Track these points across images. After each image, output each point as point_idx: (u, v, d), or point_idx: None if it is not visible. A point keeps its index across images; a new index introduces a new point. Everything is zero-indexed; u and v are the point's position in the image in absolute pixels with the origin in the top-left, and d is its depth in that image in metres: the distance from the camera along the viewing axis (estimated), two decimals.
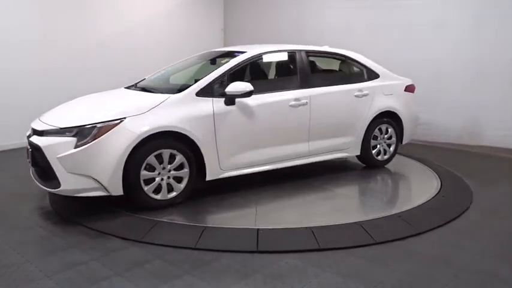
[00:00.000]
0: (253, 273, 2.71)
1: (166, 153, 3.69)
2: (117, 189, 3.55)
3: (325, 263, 2.86)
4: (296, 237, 3.21)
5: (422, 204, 3.98)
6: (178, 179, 3.83)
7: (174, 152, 3.73)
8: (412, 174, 5.10)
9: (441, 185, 4.56)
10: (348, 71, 5.16)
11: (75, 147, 3.44)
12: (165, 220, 3.50)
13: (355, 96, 4.85)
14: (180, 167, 3.81)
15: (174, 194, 3.82)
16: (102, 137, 3.46)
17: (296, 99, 4.37)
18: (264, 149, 4.26)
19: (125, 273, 2.69)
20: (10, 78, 6.50)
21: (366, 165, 5.22)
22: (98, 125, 3.49)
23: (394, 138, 5.22)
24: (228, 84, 3.95)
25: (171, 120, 3.69)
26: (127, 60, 7.98)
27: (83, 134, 3.48)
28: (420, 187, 4.64)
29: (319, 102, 4.54)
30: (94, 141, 3.45)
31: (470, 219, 3.70)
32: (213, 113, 3.88)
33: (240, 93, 3.88)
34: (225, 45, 9.79)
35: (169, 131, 3.67)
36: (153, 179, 3.69)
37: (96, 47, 7.55)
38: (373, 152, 5.11)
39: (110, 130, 3.48)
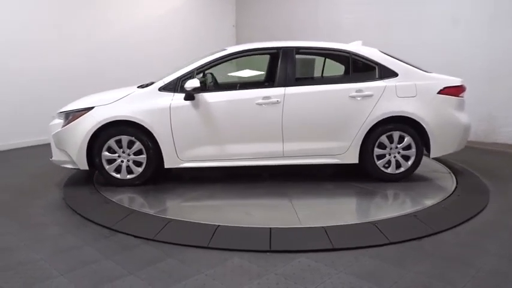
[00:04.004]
0: (266, 273, 2.69)
1: (125, 139, 4.28)
2: (83, 164, 4.30)
3: (338, 262, 2.83)
4: (309, 237, 3.18)
5: (438, 203, 3.91)
6: (139, 163, 4.35)
7: (133, 139, 4.27)
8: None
9: (457, 183, 4.49)
10: (349, 69, 4.55)
11: (61, 128, 4.31)
12: (178, 218, 3.51)
13: (351, 97, 4.32)
14: (140, 152, 4.31)
15: (132, 175, 4.38)
16: (75, 121, 4.26)
17: (265, 98, 4.27)
18: (227, 145, 4.32)
19: (137, 272, 2.70)
20: (26, 77, 6.60)
21: (374, 178, 4.51)
22: (74, 111, 4.33)
23: (413, 149, 4.42)
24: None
25: (127, 111, 4.22)
26: (139, 56, 8.04)
27: (66, 117, 4.36)
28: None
29: (296, 102, 4.29)
30: (70, 124, 4.27)
31: (488, 219, 3.63)
32: (170, 107, 4.20)
33: (189, 89, 4.16)
34: (237, 42, 9.77)
35: (127, 120, 4.20)
36: (114, 160, 4.32)
37: (106, 44, 7.63)
38: (379, 162, 4.45)
39: (80, 116, 4.26)
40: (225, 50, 4.54)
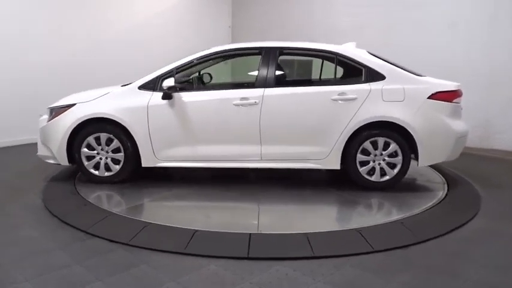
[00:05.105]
0: (241, 281, 2.57)
1: (103, 136, 4.29)
2: (63, 160, 4.36)
3: (318, 271, 2.71)
4: (290, 244, 3.06)
5: (427, 210, 3.80)
6: (117, 161, 4.35)
7: (111, 136, 4.27)
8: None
9: (448, 190, 4.37)
10: (334, 70, 4.42)
11: (46, 123, 4.42)
12: (155, 222, 3.39)
13: (333, 100, 4.14)
14: (118, 150, 4.31)
15: (110, 173, 4.38)
16: (57, 117, 4.33)
17: (243, 98, 4.16)
18: (204, 145, 4.26)
19: (107, 279, 2.58)
20: (21, 74, 6.54)
21: (359, 185, 4.30)
22: (57, 108, 4.39)
23: (399, 157, 4.17)
24: None
25: (105, 109, 4.23)
26: (136, 55, 8.01)
27: (50, 113, 4.44)
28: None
29: (275, 104, 4.15)
30: (53, 120, 4.36)
31: (478, 227, 3.51)
32: (147, 105, 4.18)
33: (165, 88, 4.15)
34: (232, 43, 9.67)
35: (105, 117, 4.21)
36: (93, 157, 4.35)
37: (105, 43, 7.62)
38: (362, 169, 4.24)
39: (62, 113, 4.31)
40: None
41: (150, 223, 3.36)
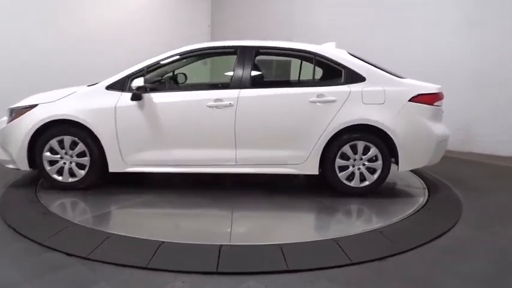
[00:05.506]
0: None
1: (67, 139, 4.01)
2: (23, 165, 4.07)
3: (291, 286, 2.53)
4: (263, 256, 2.87)
5: (407, 217, 3.65)
6: (83, 166, 4.07)
7: (76, 139, 4.00)
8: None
9: (429, 196, 4.24)
10: (312, 71, 4.22)
11: (5, 125, 4.14)
12: (118, 233, 3.14)
13: (311, 102, 3.98)
14: (83, 154, 4.04)
15: (75, 179, 4.09)
16: (18, 118, 4.04)
17: (217, 100, 3.96)
18: (176, 150, 4.03)
19: None
20: None
21: (339, 191, 4.13)
22: (18, 108, 4.11)
23: (379, 162, 4.05)
24: None
25: (68, 110, 3.97)
26: (111, 54, 7.74)
27: (10, 115, 4.15)
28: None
29: (251, 105, 3.96)
30: (13, 121, 4.07)
31: (459, 236, 3.37)
32: (115, 107, 3.94)
33: (134, 88, 3.91)
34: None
35: (69, 119, 3.94)
36: (57, 162, 4.06)
37: (79, 42, 7.37)
38: (341, 174, 4.08)
39: (23, 114, 4.03)
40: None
41: (113, 234, 3.11)
